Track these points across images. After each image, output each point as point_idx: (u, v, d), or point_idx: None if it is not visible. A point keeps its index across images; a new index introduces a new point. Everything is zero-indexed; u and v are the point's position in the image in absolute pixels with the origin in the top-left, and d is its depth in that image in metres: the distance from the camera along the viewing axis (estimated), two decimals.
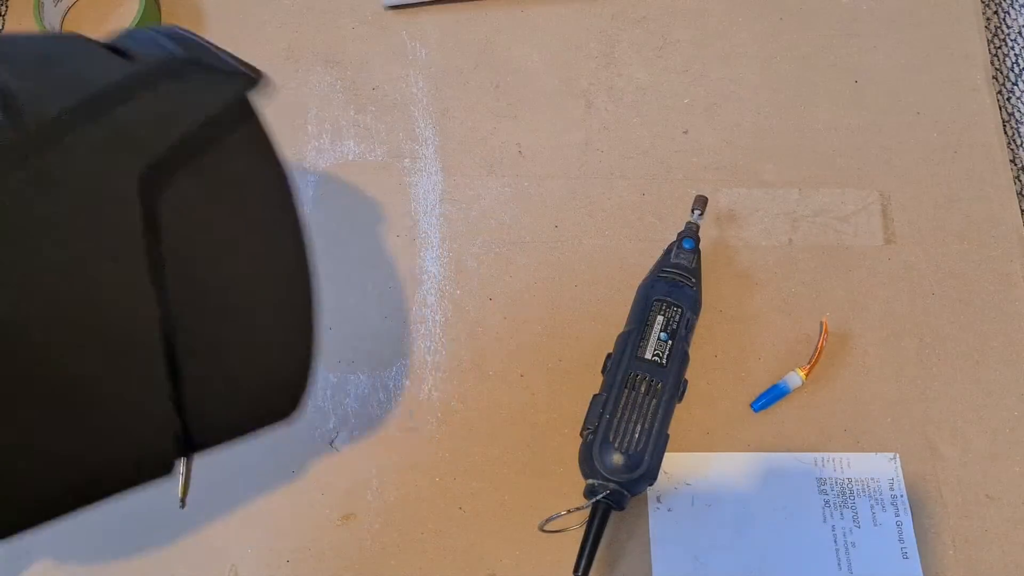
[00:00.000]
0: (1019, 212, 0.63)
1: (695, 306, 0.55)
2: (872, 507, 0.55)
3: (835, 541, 0.54)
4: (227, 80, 0.37)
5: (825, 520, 0.54)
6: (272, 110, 0.66)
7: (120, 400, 0.34)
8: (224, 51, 0.40)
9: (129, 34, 0.39)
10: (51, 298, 0.32)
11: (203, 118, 0.36)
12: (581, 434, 0.53)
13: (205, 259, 0.36)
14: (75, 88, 0.33)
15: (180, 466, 0.55)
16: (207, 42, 0.39)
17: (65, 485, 0.36)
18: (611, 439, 0.50)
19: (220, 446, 0.40)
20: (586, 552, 0.49)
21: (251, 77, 0.38)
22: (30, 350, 0.32)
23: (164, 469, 0.38)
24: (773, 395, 0.57)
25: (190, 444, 0.38)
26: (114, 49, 0.37)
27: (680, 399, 0.54)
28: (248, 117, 0.38)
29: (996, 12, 0.73)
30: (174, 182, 0.34)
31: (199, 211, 0.36)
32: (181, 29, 0.40)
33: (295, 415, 0.42)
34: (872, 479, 0.55)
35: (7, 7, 0.71)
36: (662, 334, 0.53)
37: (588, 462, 0.51)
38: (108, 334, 0.33)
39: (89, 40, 0.38)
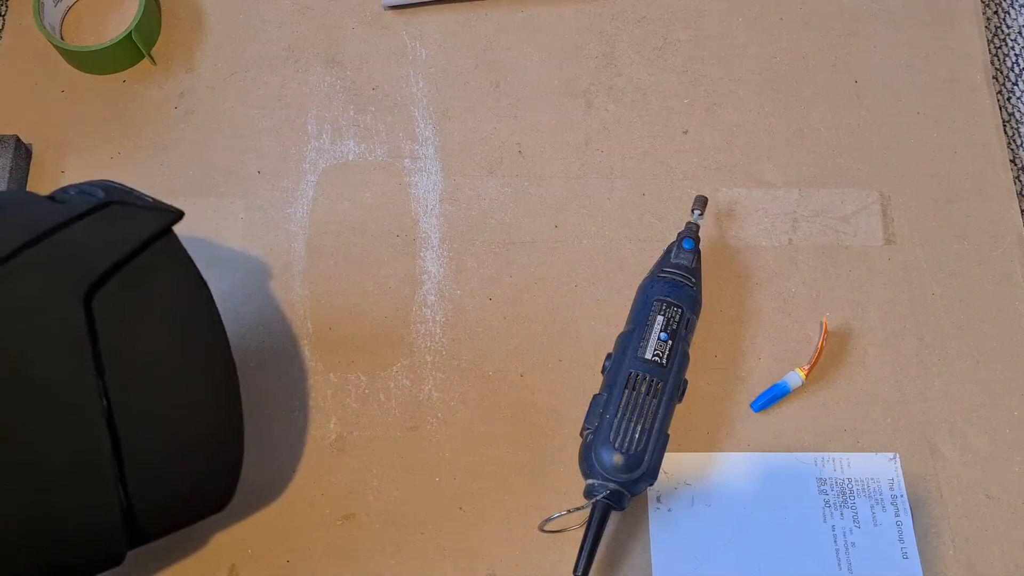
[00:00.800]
0: (1019, 212, 0.63)
1: (695, 306, 0.55)
2: (872, 507, 0.55)
3: (835, 541, 0.54)
4: (149, 214, 0.45)
5: (825, 520, 0.54)
6: (272, 110, 0.67)
7: (73, 479, 0.40)
8: (146, 194, 0.48)
9: (63, 189, 0.48)
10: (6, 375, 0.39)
11: (132, 244, 0.43)
12: (581, 434, 0.53)
13: (135, 357, 0.42)
14: (26, 227, 0.41)
15: None
16: (131, 188, 0.48)
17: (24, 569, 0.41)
18: (611, 439, 0.50)
19: (162, 536, 0.46)
20: (586, 552, 0.49)
21: (171, 212, 0.46)
22: None
23: (117, 557, 0.43)
24: (773, 395, 0.57)
25: (137, 531, 0.43)
26: (52, 199, 0.46)
27: (680, 399, 0.54)
28: (169, 243, 0.45)
29: (996, 12, 0.73)
30: (107, 292, 0.42)
31: (127, 314, 0.43)
32: (111, 181, 0.48)
33: (227, 503, 0.48)
34: (872, 479, 0.55)
35: (7, 7, 0.71)
36: (662, 334, 0.53)
37: (588, 462, 0.51)
38: (57, 415, 0.40)
39: (32, 193, 0.48)
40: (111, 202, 0.45)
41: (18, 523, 0.39)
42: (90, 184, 0.48)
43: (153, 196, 0.48)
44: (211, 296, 0.46)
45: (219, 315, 0.46)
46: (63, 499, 0.40)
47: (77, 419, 0.40)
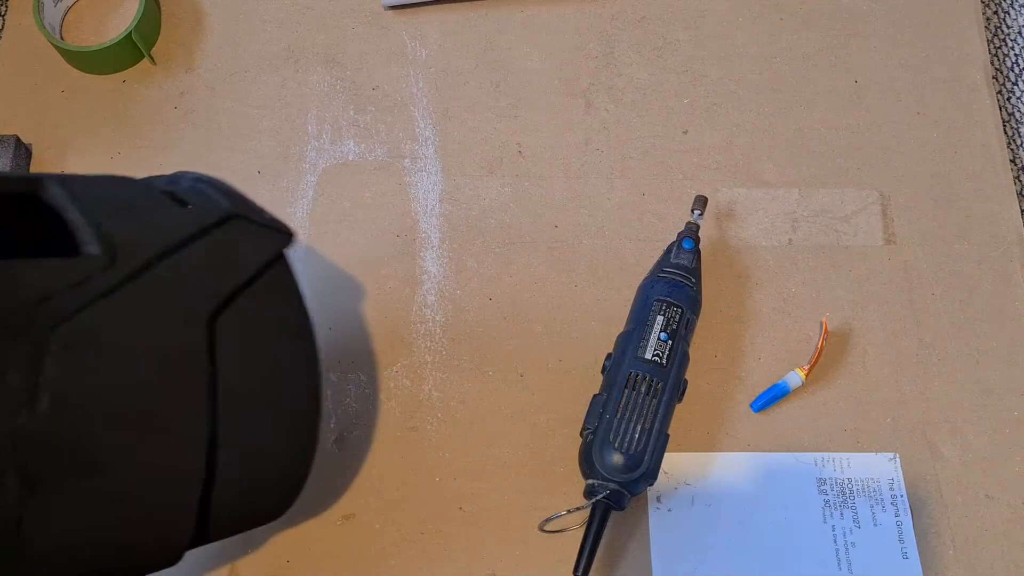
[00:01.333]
0: (1019, 212, 0.63)
1: (695, 306, 0.55)
2: (872, 507, 0.55)
3: (835, 541, 0.54)
4: (267, 234, 0.44)
5: (825, 520, 0.54)
6: (272, 110, 0.67)
7: (162, 498, 0.40)
8: (262, 209, 0.46)
9: (177, 181, 0.46)
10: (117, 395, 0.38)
11: (252, 268, 0.42)
12: (581, 434, 0.53)
13: (241, 386, 0.41)
14: (155, 236, 0.40)
15: None
16: (247, 198, 0.46)
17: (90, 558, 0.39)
18: (611, 439, 0.50)
19: (219, 539, 0.46)
20: (586, 552, 0.49)
21: (286, 233, 0.45)
22: (94, 438, 0.37)
23: (175, 558, 0.43)
24: (773, 395, 0.57)
25: (202, 537, 0.43)
26: (173, 196, 0.44)
27: (680, 399, 0.54)
28: (282, 269, 0.44)
29: (996, 12, 0.73)
30: (226, 318, 0.41)
31: (240, 342, 0.42)
32: (225, 184, 0.46)
33: (283, 514, 0.48)
34: (872, 479, 0.55)
35: (7, 7, 0.71)
36: (662, 334, 0.53)
37: (588, 462, 0.51)
38: (164, 440, 0.39)
39: (153, 187, 0.45)
40: (233, 215, 0.43)
41: (94, 533, 0.38)
42: (208, 183, 0.46)
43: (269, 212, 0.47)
44: (312, 328, 0.45)
45: (316, 347, 0.45)
46: (143, 515, 0.39)
47: (182, 445, 0.39)
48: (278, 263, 0.44)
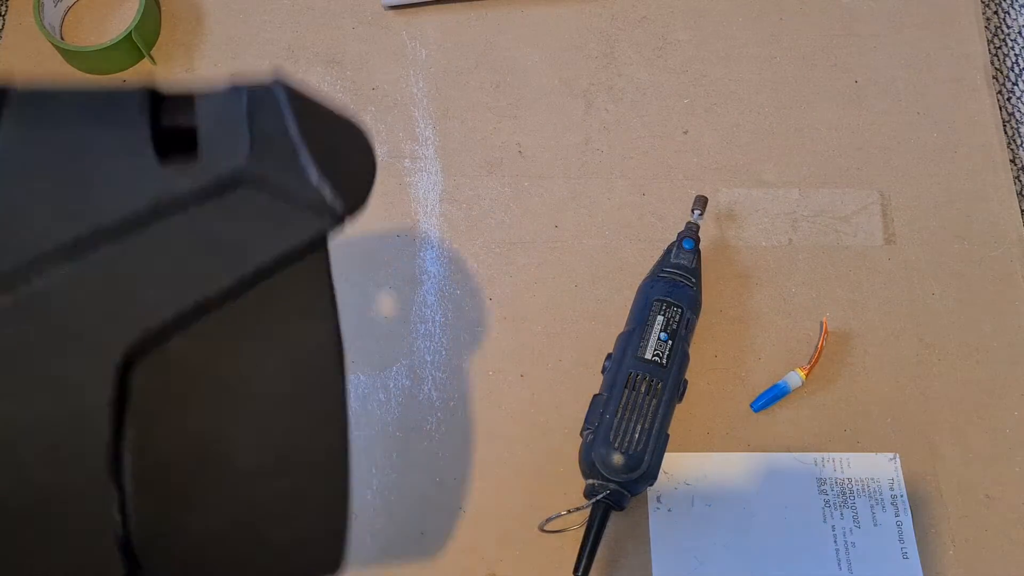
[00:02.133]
0: (1019, 212, 0.63)
1: (695, 306, 0.56)
2: (872, 507, 0.55)
3: (835, 541, 0.54)
4: (301, 217, 0.30)
5: (825, 520, 0.54)
6: None
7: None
8: (309, 168, 0.31)
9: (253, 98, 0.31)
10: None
11: (275, 251, 0.30)
12: (581, 434, 0.53)
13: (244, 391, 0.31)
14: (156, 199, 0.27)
15: None
16: (319, 100, 0.31)
17: None
18: (611, 439, 0.50)
19: None
20: (586, 552, 0.49)
21: (332, 215, 0.31)
22: None
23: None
24: (773, 395, 0.57)
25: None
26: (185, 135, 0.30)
27: (680, 399, 0.54)
28: (316, 264, 0.32)
29: (996, 12, 0.73)
30: (235, 307, 0.29)
31: (252, 342, 0.30)
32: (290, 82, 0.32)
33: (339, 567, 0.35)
34: (872, 479, 0.55)
35: (7, 7, 0.71)
36: (662, 334, 0.53)
37: (588, 462, 0.51)
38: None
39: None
40: (245, 179, 0.29)
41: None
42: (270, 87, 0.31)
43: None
44: (340, 338, 0.33)
45: (344, 367, 0.33)
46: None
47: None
48: (300, 263, 0.31)
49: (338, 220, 0.30)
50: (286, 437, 0.32)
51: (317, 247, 0.31)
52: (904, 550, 0.54)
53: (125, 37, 0.66)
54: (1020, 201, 0.64)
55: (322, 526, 0.33)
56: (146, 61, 0.68)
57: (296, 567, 0.33)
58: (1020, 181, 0.67)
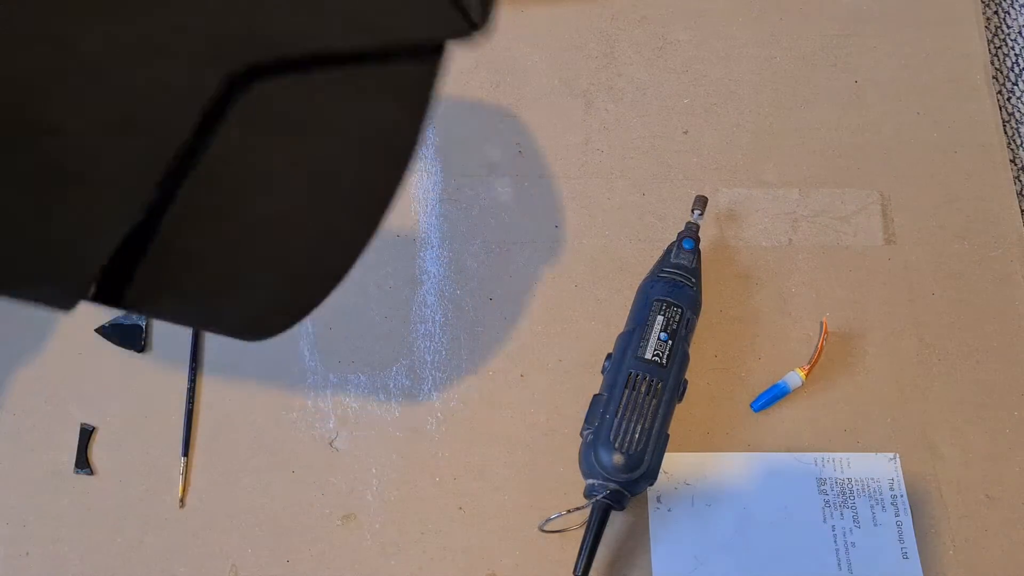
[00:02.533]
0: (1019, 212, 0.63)
1: (695, 306, 0.55)
2: (872, 507, 0.55)
3: (835, 541, 0.54)
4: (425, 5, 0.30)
5: (825, 520, 0.54)
6: None
7: (106, 185, 0.29)
8: None
9: None
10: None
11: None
12: (581, 434, 0.53)
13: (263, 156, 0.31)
14: None
15: (180, 466, 0.55)
16: None
17: None
18: (611, 439, 0.50)
19: (157, 318, 0.36)
20: (586, 552, 0.49)
21: (469, 22, 0.30)
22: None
23: (67, 299, 0.31)
24: (773, 395, 0.57)
25: (118, 292, 0.32)
26: None
27: (680, 399, 0.54)
28: (430, 71, 0.31)
29: (996, 12, 0.73)
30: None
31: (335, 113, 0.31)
32: None
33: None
34: (872, 479, 0.55)
35: None
36: (662, 334, 0.53)
37: (588, 462, 0.51)
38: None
39: None
40: None
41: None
42: None
43: None
44: (417, 144, 0.33)
45: (409, 168, 0.34)
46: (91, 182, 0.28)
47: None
48: (418, 64, 0.31)
49: (473, 27, 0.30)
50: (335, 202, 0.34)
51: (439, 53, 0.31)
52: (904, 550, 0.54)
53: None
54: (1020, 201, 0.64)
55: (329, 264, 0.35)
56: None
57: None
58: (1020, 181, 0.67)
